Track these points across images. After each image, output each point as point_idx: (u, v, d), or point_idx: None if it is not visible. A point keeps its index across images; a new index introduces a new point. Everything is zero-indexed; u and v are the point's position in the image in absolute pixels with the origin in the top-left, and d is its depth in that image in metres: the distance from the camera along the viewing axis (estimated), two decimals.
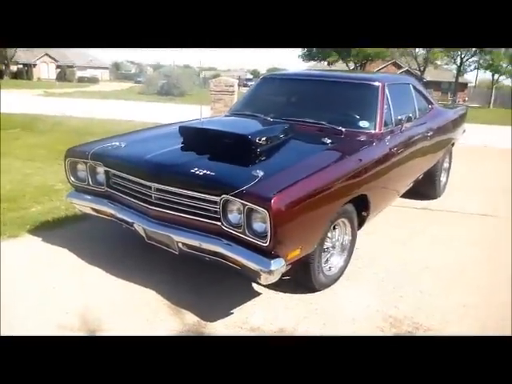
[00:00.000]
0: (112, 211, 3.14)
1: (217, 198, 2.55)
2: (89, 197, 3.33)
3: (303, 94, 4.21)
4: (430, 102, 5.08)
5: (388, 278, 3.36)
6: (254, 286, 3.11)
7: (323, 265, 3.03)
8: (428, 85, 35.86)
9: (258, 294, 3.04)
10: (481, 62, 37.05)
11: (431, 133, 4.51)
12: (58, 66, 49.52)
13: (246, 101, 4.51)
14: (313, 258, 2.82)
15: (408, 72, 36.48)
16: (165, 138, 3.46)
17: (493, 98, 37.88)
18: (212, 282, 3.14)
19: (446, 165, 5.69)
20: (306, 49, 34.84)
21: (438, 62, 37.50)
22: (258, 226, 2.43)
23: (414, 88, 4.71)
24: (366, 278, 3.34)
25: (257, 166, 2.70)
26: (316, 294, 3.05)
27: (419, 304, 3.01)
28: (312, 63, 37.90)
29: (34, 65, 47.15)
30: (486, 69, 37.14)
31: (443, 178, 5.64)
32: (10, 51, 40.98)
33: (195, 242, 2.67)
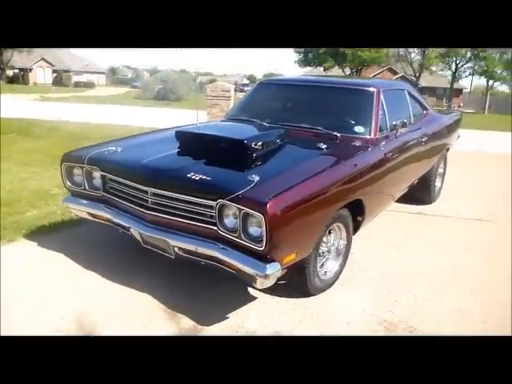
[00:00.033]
0: (108, 216, 3.15)
1: (213, 203, 2.56)
2: (85, 201, 3.34)
3: (299, 99, 4.24)
4: (424, 108, 5.12)
5: (383, 282, 3.37)
6: (250, 290, 3.12)
7: (318, 269, 3.04)
8: (423, 90, 36.10)
9: (254, 298, 3.05)
10: (476, 68, 37.32)
11: (426, 138, 4.55)
12: (54, 71, 49.48)
13: (242, 106, 4.54)
14: (308, 263, 2.84)
15: (403, 78, 36.69)
16: (161, 142, 3.48)
17: (487, 103, 38.12)
18: (208, 287, 3.15)
19: (440, 170, 5.74)
20: (302, 54, 34.99)
21: (434, 68, 37.76)
22: (253, 230, 2.44)
23: (409, 94, 4.75)
24: (361, 283, 3.35)
25: (253, 170, 2.72)
26: (311, 298, 3.06)
27: (414, 308, 3.03)
28: (308, 69, 38.07)
29: (30, 69, 47.08)
30: (481, 75, 37.39)
31: (438, 183, 5.68)
32: (5, 55, 40.91)
33: (191, 247, 2.68)
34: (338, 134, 3.49)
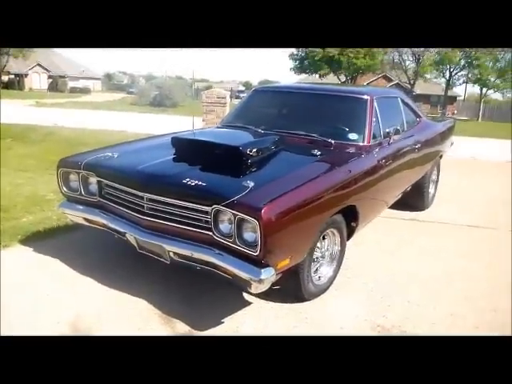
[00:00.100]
0: (104, 221, 3.17)
1: (208, 208, 2.59)
2: (81, 207, 3.35)
3: (294, 106, 4.29)
4: (417, 115, 5.18)
5: (377, 287, 3.40)
6: (245, 295, 3.14)
7: (313, 274, 3.07)
8: (418, 98, 36.38)
9: (249, 303, 3.08)
10: (469, 75, 37.65)
11: (419, 145, 4.60)
12: (49, 77, 49.36)
13: (237, 113, 4.58)
14: (302, 268, 2.86)
15: (398, 85, 36.95)
16: (157, 148, 3.51)
17: (481, 111, 38.43)
18: (203, 292, 3.17)
19: (434, 177, 5.79)
20: (297, 61, 35.16)
21: (428, 76, 38.03)
22: (248, 235, 2.47)
23: (402, 101, 4.81)
24: (355, 288, 3.38)
25: (247, 176, 2.76)
26: (306, 303, 3.08)
27: (407, 314, 3.05)
28: (303, 76, 38.24)
29: (26, 75, 46.96)
30: (475, 83, 37.72)
31: (431, 190, 5.73)
32: (1, 61, 40.83)
33: (187, 252, 2.71)
34: (332, 141, 3.53)
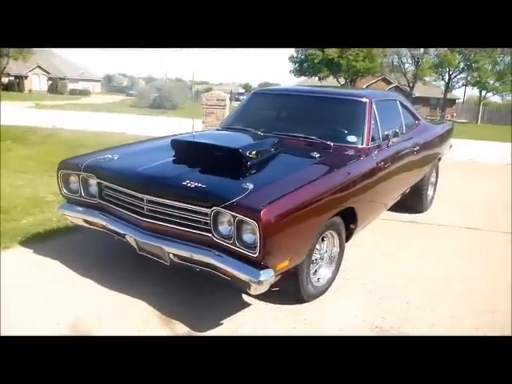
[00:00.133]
0: (104, 223, 3.18)
1: (208, 210, 2.61)
2: (81, 208, 3.37)
3: (293, 109, 4.31)
4: (416, 118, 5.21)
5: (375, 289, 3.42)
6: (244, 297, 3.16)
7: (312, 276, 3.08)
8: (417, 100, 36.45)
9: (248, 304, 3.09)
10: (468, 78, 37.70)
11: (418, 148, 4.62)
12: (49, 78, 49.42)
13: (237, 115, 4.60)
14: (301, 269, 2.88)
15: (397, 88, 37.02)
16: (157, 150, 3.53)
17: (480, 114, 38.49)
18: (203, 294, 3.18)
19: (432, 179, 5.80)
20: (297, 64, 35.22)
21: (427, 79, 38.08)
22: (247, 237, 2.48)
23: (401, 104, 4.83)
24: (354, 290, 3.40)
25: (247, 178, 2.77)
26: (304, 304, 3.10)
27: (406, 315, 3.07)
28: (303, 78, 38.31)
29: (26, 77, 46.99)
30: (474, 85, 37.76)
31: (430, 192, 5.75)
32: (1, 62, 40.85)
33: (186, 254, 2.72)
34: (331, 144, 3.55)
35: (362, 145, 3.65)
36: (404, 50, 35.05)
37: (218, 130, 4.46)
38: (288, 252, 2.64)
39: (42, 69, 48.95)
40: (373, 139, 3.76)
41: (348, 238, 3.44)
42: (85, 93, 47.99)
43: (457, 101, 46.30)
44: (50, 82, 48.80)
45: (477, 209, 5.99)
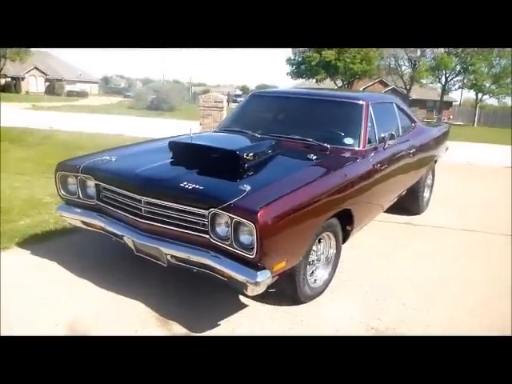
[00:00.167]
0: (102, 224, 3.19)
1: (205, 212, 2.62)
2: (79, 210, 3.38)
3: (290, 111, 4.34)
4: (412, 121, 5.24)
5: (371, 291, 3.44)
6: (241, 298, 3.17)
7: (308, 277, 3.10)
8: (414, 103, 36.56)
9: (245, 305, 3.10)
10: (465, 81, 37.85)
11: (414, 150, 4.65)
12: (46, 80, 49.36)
13: (234, 117, 4.62)
14: (298, 271, 2.90)
15: (394, 90, 37.11)
16: (155, 152, 3.54)
17: (477, 116, 38.64)
18: (200, 295, 3.19)
19: (428, 181, 5.84)
20: (294, 66, 35.27)
21: (424, 81, 38.21)
22: (244, 238, 2.50)
23: (398, 107, 4.86)
24: (350, 291, 3.41)
25: (244, 180, 2.79)
26: (301, 306, 3.11)
27: (402, 316, 3.09)
28: (300, 81, 38.38)
29: (23, 78, 46.93)
30: (470, 88, 37.90)
31: (426, 194, 5.78)
32: None
33: (184, 255, 2.73)
34: (328, 146, 3.58)
35: (359, 147, 3.67)
36: (401, 53, 35.18)
37: (215, 131, 4.48)
38: (285, 253, 2.66)
39: (39, 70, 48.86)
40: (369, 141, 3.79)
41: (345, 239, 3.46)
42: (82, 94, 47.93)
43: (453, 103, 46.46)
44: (47, 83, 48.76)
45: (473, 211, 6.02)
